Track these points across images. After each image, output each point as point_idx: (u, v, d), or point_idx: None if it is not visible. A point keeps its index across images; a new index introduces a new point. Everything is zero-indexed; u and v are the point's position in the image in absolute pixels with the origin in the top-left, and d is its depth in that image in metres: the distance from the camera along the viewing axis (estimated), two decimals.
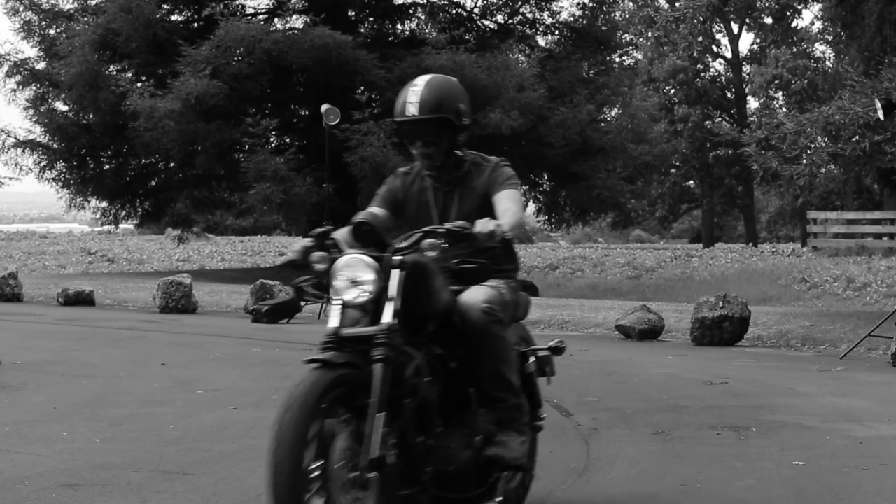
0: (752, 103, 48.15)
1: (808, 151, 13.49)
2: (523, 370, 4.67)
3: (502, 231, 4.04)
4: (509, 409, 4.33)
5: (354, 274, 3.85)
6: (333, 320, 3.83)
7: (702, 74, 47.23)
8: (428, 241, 3.95)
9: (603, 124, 24.15)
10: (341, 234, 4.15)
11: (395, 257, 3.91)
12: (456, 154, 4.46)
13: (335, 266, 3.88)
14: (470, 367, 4.23)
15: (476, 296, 4.21)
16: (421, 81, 4.37)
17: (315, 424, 3.56)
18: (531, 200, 26.55)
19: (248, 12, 24.04)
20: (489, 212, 4.36)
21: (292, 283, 4.19)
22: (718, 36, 48.39)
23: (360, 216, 4.13)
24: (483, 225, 4.00)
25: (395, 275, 3.87)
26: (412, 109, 4.31)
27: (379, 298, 3.84)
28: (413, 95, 4.33)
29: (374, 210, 4.52)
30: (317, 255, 4.00)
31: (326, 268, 3.93)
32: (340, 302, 3.86)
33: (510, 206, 4.34)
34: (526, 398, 4.62)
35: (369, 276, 3.83)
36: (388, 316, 3.82)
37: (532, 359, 4.77)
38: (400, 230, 4.35)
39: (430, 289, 4.02)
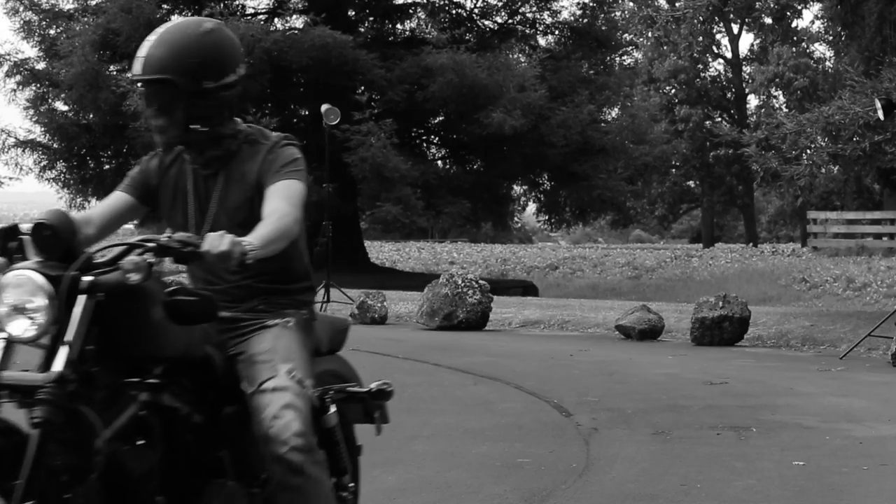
0: (753, 102, 48.24)
1: (809, 151, 13.49)
2: (320, 423, 3.55)
3: (243, 252, 2.95)
4: None
5: (22, 297, 2.82)
6: None
7: (702, 74, 47.28)
8: (131, 258, 2.86)
9: (603, 124, 24.16)
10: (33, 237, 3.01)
11: (84, 277, 2.85)
12: (195, 129, 3.32)
13: (0, 283, 2.87)
14: (224, 426, 3.26)
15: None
16: (160, 30, 3.35)
17: None
18: (531, 200, 26.56)
19: (247, 12, 24.04)
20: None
21: None
22: (718, 36, 48.44)
23: (43, 214, 2.95)
24: (214, 242, 2.92)
25: (80, 302, 2.84)
26: (137, 67, 3.30)
27: (57, 333, 2.84)
28: (143, 48, 3.31)
29: (118, 196, 3.48)
30: None
31: None
32: (5, 335, 2.86)
33: (278, 208, 3.23)
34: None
35: (40, 301, 2.81)
36: (59, 362, 2.79)
37: (332, 408, 3.62)
38: (160, 226, 3.46)
39: (144, 323, 2.97)
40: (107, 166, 24.28)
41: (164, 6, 23.31)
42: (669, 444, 6.58)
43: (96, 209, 3.49)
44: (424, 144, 25.59)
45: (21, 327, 2.83)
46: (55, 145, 23.52)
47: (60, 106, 23.69)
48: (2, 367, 2.83)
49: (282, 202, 3.25)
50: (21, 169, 23.76)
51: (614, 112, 25.48)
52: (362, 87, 21.96)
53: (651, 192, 40.25)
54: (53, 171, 23.78)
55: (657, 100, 37.41)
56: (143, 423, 3.00)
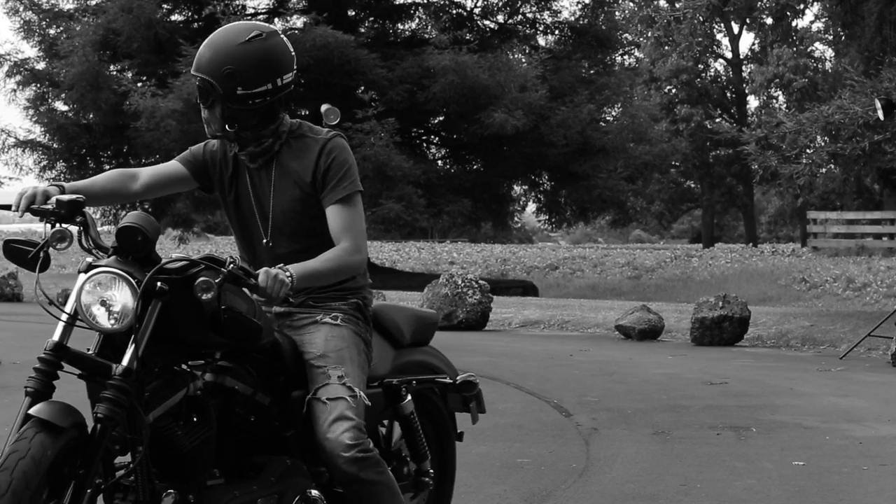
0: (753, 103, 48.25)
1: (808, 151, 13.49)
2: (397, 410, 3.85)
3: (287, 292, 3.26)
4: None
5: (108, 294, 3.10)
6: (57, 333, 3.13)
7: (702, 74, 47.31)
8: (206, 279, 3.11)
9: (603, 124, 24.15)
10: (91, 215, 3.30)
11: (160, 283, 3.12)
12: (228, 129, 3.50)
13: (85, 276, 3.14)
14: (292, 408, 3.51)
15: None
16: (217, 31, 3.61)
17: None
18: (531, 200, 26.56)
19: (248, 12, 24.03)
20: (312, 212, 3.57)
21: (6, 241, 3.24)
22: (719, 36, 48.46)
23: (134, 219, 3.16)
24: (268, 280, 3.21)
25: (153, 304, 3.13)
26: (194, 62, 3.53)
27: (128, 330, 3.09)
28: (202, 45, 3.56)
29: (174, 164, 3.70)
30: (61, 230, 3.20)
31: (64, 246, 3.20)
32: (67, 316, 3.14)
33: (342, 244, 3.49)
34: (406, 448, 3.94)
35: (127, 300, 3.09)
36: (128, 355, 3.07)
37: (408, 397, 3.87)
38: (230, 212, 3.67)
39: (201, 316, 3.18)
40: (107, 166, 24.24)
41: (165, 6, 23.30)
42: (669, 444, 6.58)
43: (147, 169, 3.68)
44: (424, 144, 25.59)
45: (105, 319, 3.10)
46: (55, 145, 23.50)
47: (60, 106, 23.68)
48: (64, 341, 3.11)
49: (346, 237, 3.48)
50: (21, 169, 23.74)
51: (614, 111, 25.46)
52: (363, 87, 21.95)
53: (647, 191, 40.24)
54: (53, 171, 23.74)
55: (658, 99, 37.40)
56: (197, 402, 3.25)
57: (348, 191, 3.53)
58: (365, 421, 3.49)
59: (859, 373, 9.81)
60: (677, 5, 44.91)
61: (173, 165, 3.68)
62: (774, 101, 46.19)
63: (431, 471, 4.00)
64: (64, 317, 3.15)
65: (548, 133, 22.28)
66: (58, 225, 3.22)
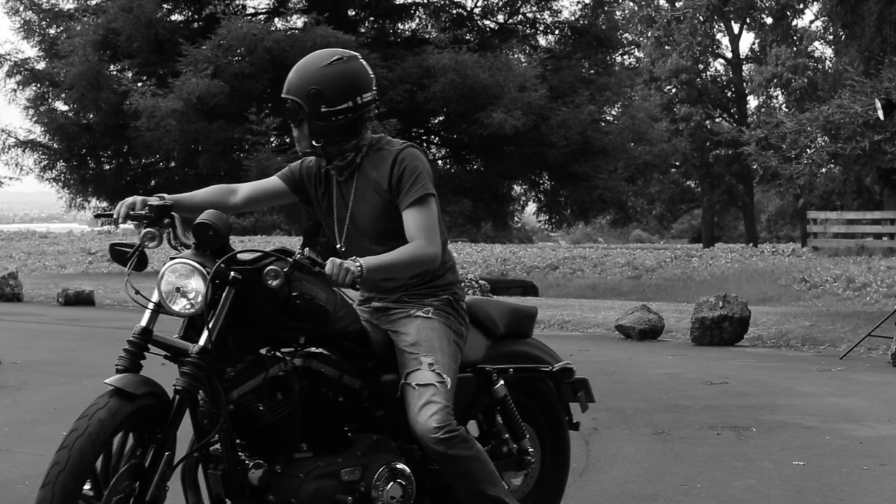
0: (753, 102, 48.25)
1: (809, 151, 13.49)
2: (491, 394, 4.18)
3: (353, 279, 3.57)
4: None
5: (185, 282, 3.50)
6: (144, 320, 3.53)
7: (702, 74, 47.31)
8: (274, 267, 3.50)
9: (604, 124, 24.13)
10: (180, 218, 3.75)
11: (233, 272, 3.51)
12: (315, 145, 3.88)
13: (164, 267, 3.54)
14: (382, 391, 3.90)
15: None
16: (304, 57, 4.01)
17: (99, 462, 3.28)
18: (531, 200, 26.55)
19: (248, 12, 24.03)
20: (393, 216, 3.89)
21: (111, 245, 3.70)
22: (719, 36, 48.47)
23: (206, 216, 3.54)
24: (334, 268, 3.55)
25: (227, 291, 3.51)
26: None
27: (202, 314, 3.49)
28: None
29: (273, 180, 4.09)
30: (151, 231, 3.66)
31: (154, 245, 3.65)
32: (153, 304, 3.54)
33: (415, 241, 3.80)
34: (505, 429, 4.25)
35: (199, 288, 3.48)
36: (204, 337, 3.47)
37: (500, 382, 4.20)
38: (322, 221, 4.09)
39: (274, 304, 3.57)
40: (107, 166, 24.26)
41: (165, 6, 23.29)
42: (669, 444, 6.58)
43: (247, 184, 4.11)
44: (424, 144, 25.59)
45: (181, 305, 3.49)
46: (55, 145, 23.49)
47: (60, 106, 23.67)
48: (150, 326, 3.51)
49: (419, 234, 3.80)
50: (21, 169, 23.74)
51: (614, 112, 25.43)
52: None
53: (648, 191, 40.25)
54: (53, 171, 23.76)
55: (658, 99, 37.40)
56: (282, 382, 3.63)
57: (419, 194, 3.84)
58: (458, 401, 3.86)
59: (859, 373, 9.81)
60: (677, 5, 44.95)
61: (273, 181, 4.09)
62: (774, 100, 46.20)
63: (531, 449, 4.29)
64: (150, 305, 3.53)
65: (548, 133, 22.27)
66: (149, 227, 3.66)
